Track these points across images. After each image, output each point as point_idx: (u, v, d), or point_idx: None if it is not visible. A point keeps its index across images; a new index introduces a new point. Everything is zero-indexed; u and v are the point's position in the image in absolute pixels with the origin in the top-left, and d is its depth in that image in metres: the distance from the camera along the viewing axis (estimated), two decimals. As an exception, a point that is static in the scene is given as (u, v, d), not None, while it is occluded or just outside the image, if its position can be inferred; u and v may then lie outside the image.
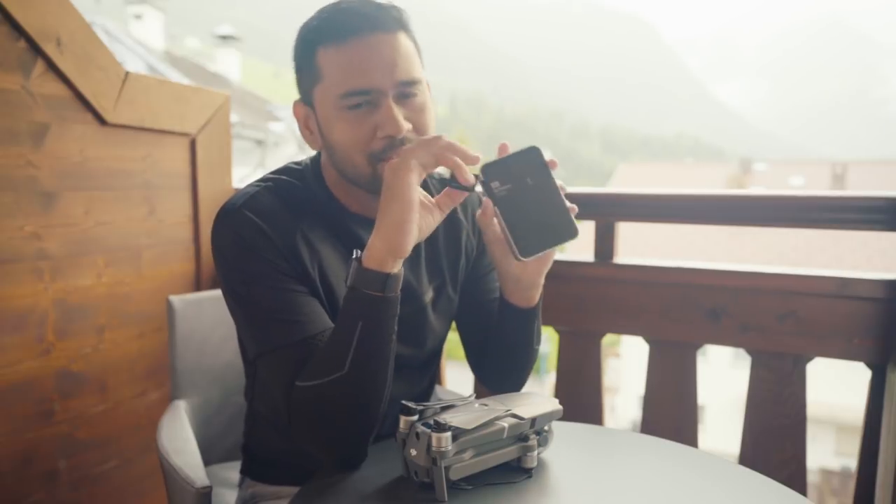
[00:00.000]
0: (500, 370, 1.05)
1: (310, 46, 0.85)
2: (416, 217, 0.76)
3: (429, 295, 1.00)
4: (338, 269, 0.91)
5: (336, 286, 0.91)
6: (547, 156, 0.80)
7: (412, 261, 0.98)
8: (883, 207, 1.31)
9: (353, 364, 0.77)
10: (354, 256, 0.78)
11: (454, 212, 1.03)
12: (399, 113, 0.84)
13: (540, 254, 0.77)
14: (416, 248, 0.99)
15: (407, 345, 0.98)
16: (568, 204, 0.79)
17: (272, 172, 0.95)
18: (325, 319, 0.86)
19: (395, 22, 0.85)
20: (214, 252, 0.88)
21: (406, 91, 0.85)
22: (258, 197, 0.87)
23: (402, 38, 0.85)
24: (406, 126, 0.84)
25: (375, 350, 0.78)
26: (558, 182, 0.79)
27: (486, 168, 0.78)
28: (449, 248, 1.03)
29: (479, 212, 0.82)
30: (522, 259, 0.77)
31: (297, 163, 0.97)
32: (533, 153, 0.78)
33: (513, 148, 0.80)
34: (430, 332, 1.02)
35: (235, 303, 0.86)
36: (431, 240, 1.00)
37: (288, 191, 0.91)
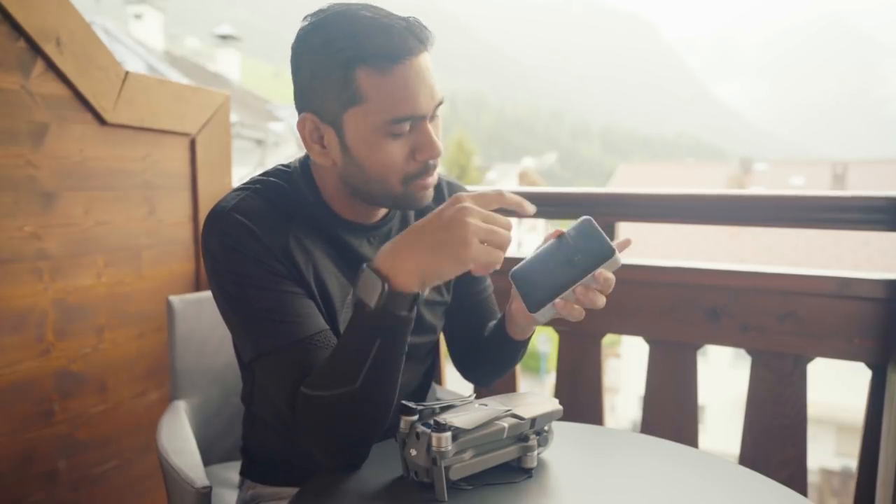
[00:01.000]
0: (480, 372, 1.12)
1: (346, 65, 0.79)
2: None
3: (424, 293, 1.01)
4: (331, 271, 0.91)
5: (331, 288, 0.91)
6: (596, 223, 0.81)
7: None
8: (883, 207, 1.31)
9: (365, 379, 0.76)
10: (376, 270, 0.76)
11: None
12: (435, 135, 0.84)
13: (547, 309, 0.79)
14: None
15: None
16: (568, 291, 0.78)
17: (261, 174, 0.94)
18: (321, 321, 0.86)
19: (424, 39, 0.82)
20: (205, 255, 0.87)
21: (436, 112, 0.85)
22: (248, 199, 0.87)
23: (427, 55, 0.83)
24: (441, 145, 0.85)
25: (389, 366, 0.78)
26: (589, 276, 0.78)
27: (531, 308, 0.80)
28: None
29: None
30: (530, 312, 0.80)
31: (285, 165, 0.96)
32: (606, 249, 0.78)
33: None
34: (425, 330, 1.02)
35: (229, 305, 0.86)
36: None
37: (277, 193, 0.90)
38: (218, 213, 0.86)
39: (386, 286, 0.73)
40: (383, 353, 0.76)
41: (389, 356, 0.77)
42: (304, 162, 0.95)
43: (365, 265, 0.75)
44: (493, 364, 1.07)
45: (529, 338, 1.00)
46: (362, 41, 0.78)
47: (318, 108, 0.84)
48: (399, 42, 0.79)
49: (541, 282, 0.80)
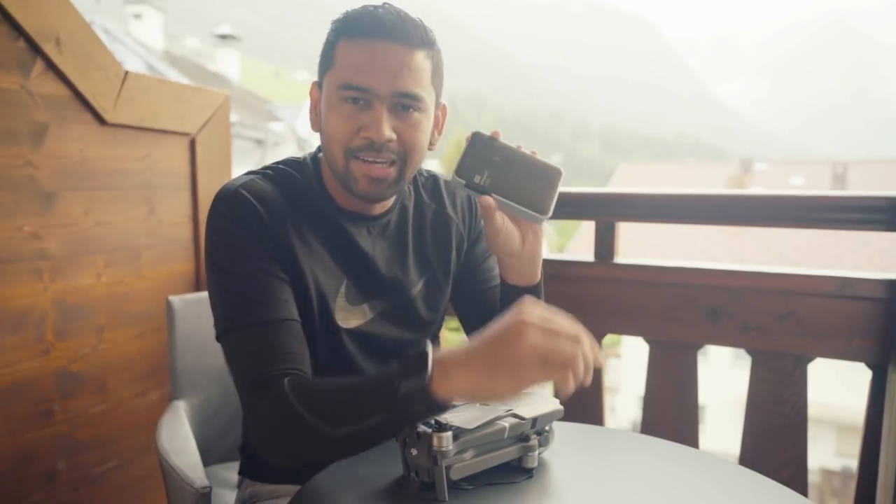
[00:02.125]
0: None
1: (333, 35, 0.89)
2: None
3: (417, 287, 1.03)
4: (326, 261, 0.94)
5: (323, 277, 0.93)
6: (514, 142, 0.84)
7: (399, 256, 1.01)
8: (883, 207, 1.31)
9: (346, 436, 0.74)
10: (428, 361, 0.70)
11: (443, 207, 1.06)
12: (387, 121, 0.86)
13: (553, 202, 0.81)
14: (404, 243, 1.02)
15: (394, 335, 1.01)
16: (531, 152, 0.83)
17: (273, 163, 0.98)
18: (294, 311, 0.87)
19: (416, 39, 0.87)
20: (207, 230, 0.89)
21: (403, 103, 0.87)
22: (257, 182, 0.90)
23: (419, 56, 0.87)
24: (389, 136, 0.86)
25: (374, 439, 0.76)
26: (513, 144, 0.83)
27: (459, 171, 0.81)
28: (438, 242, 1.05)
29: (481, 210, 0.82)
30: (544, 218, 0.81)
31: (297, 157, 1.00)
32: (479, 137, 0.83)
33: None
34: (419, 322, 1.04)
35: (215, 276, 0.87)
36: (419, 234, 1.03)
37: (286, 181, 0.94)
38: (227, 191, 0.89)
39: (425, 383, 0.69)
40: (377, 427, 0.73)
41: (380, 433, 0.75)
42: (315, 155, 0.99)
43: (424, 351, 0.70)
44: None
45: (539, 284, 0.94)
46: (350, 19, 0.87)
47: (319, 76, 0.93)
48: (377, 25, 0.85)
49: (533, 176, 0.83)
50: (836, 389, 8.90)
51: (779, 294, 1.40)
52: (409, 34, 0.86)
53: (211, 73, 14.74)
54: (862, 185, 19.32)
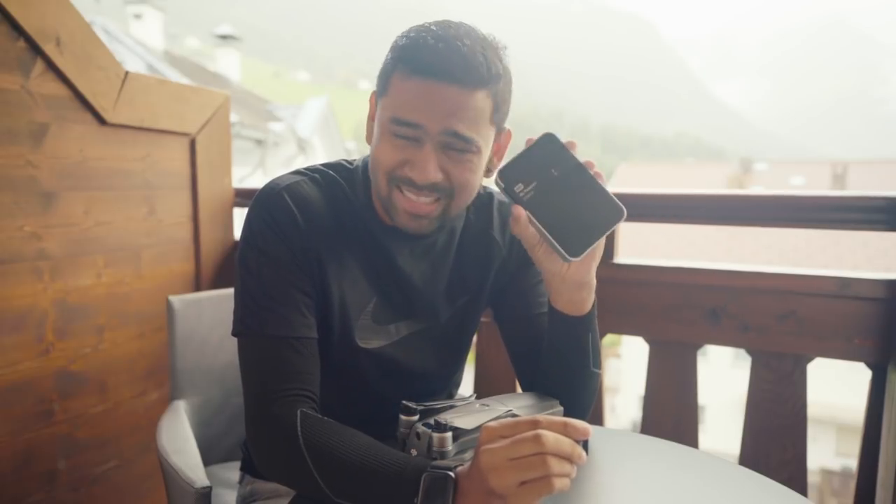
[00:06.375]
0: (552, 392, 0.93)
1: (391, 63, 0.84)
2: None
3: (451, 311, 1.00)
4: (357, 276, 0.91)
5: (351, 293, 0.91)
6: (563, 138, 0.75)
7: (438, 279, 0.97)
8: (883, 207, 1.31)
9: (343, 501, 0.75)
10: (450, 477, 0.67)
11: (489, 227, 1.01)
12: (434, 161, 0.82)
13: (590, 248, 0.73)
14: (444, 265, 0.98)
15: (418, 358, 0.98)
16: (602, 182, 0.73)
17: (322, 164, 0.96)
18: (312, 330, 0.86)
19: (476, 78, 0.80)
20: (245, 222, 0.88)
21: (454, 144, 0.82)
22: (302, 185, 0.88)
23: (478, 97, 0.81)
24: (434, 178, 0.82)
25: None
26: (584, 160, 0.74)
27: (504, 172, 0.74)
28: (477, 264, 1.00)
29: (511, 220, 0.77)
30: (572, 260, 0.72)
31: (349, 161, 0.97)
32: (548, 141, 0.74)
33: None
34: (447, 346, 1.02)
35: (241, 274, 0.86)
36: (460, 257, 0.99)
37: (331, 186, 0.91)
38: (270, 190, 0.88)
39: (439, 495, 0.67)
40: None
41: None
42: (367, 161, 0.95)
43: (450, 477, 0.67)
44: (555, 375, 0.92)
45: (589, 316, 0.88)
46: (410, 48, 0.82)
47: (377, 89, 0.89)
48: (434, 63, 0.79)
49: (585, 206, 0.71)
50: (836, 389, 8.90)
51: (779, 294, 1.40)
52: (468, 73, 0.79)
53: (211, 73, 14.74)
54: (862, 185, 19.31)
